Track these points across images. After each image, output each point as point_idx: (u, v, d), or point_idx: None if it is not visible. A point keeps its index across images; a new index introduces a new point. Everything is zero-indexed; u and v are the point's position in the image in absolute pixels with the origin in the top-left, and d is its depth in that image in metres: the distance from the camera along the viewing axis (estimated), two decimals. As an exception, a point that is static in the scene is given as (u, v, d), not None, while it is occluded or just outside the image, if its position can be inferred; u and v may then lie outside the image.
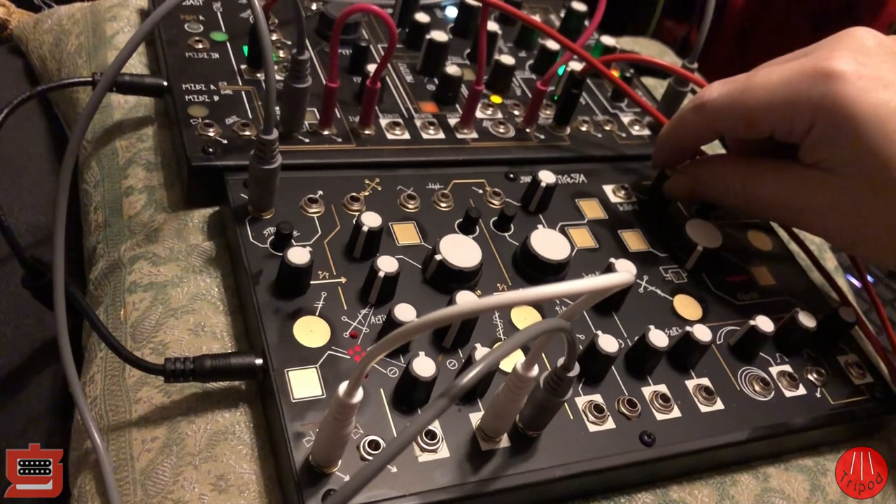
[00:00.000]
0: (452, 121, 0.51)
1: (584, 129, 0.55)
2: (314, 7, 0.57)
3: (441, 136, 0.50)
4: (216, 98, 0.47)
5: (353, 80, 0.51)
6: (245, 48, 0.51)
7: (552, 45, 0.57)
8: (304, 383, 0.35)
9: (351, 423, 0.30)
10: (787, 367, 0.43)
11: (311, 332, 0.37)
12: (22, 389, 0.47)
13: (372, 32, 0.57)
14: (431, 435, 0.34)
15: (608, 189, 0.51)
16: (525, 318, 0.41)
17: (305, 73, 0.43)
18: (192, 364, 0.35)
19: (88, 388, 0.38)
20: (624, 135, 0.55)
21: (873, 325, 0.50)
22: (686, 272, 0.47)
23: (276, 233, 0.40)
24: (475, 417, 0.36)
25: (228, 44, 0.51)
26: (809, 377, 0.43)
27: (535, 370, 0.32)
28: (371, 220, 0.40)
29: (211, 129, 0.44)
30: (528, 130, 0.53)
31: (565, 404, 0.37)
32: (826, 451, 0.44)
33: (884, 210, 0.40)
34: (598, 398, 0.38)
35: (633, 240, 0.48)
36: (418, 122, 0.50)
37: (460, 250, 0.41)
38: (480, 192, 0.47)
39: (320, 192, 0.43)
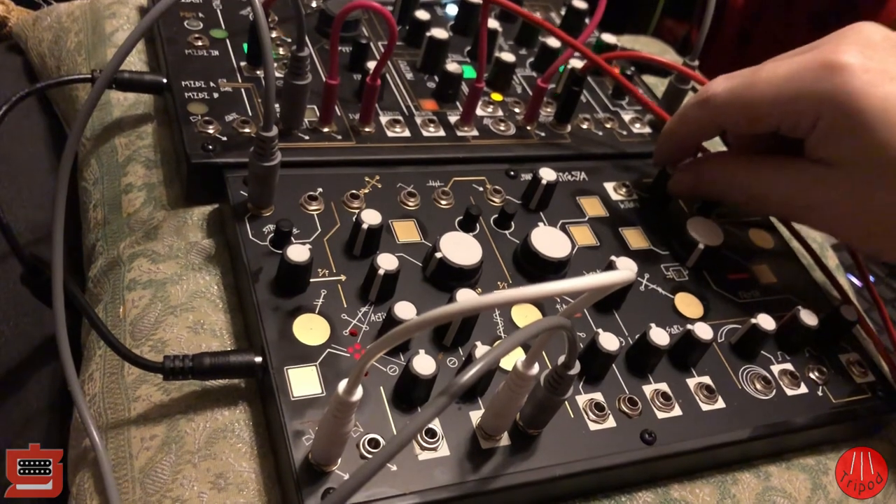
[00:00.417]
0: (453, 118, 0.51)
1: (584, 126, 0.54)
2: (314, 4, 0.57)
3: (441, 133, 0.50)
4: (216, 95, 0.47)
5: (354, 77, 0.51)
6: (245, 45, 0.51)
7: (553, 42, 0.57)
8: (303, 381, 0.35)
9: (350, 421, 0.30)
10: (789, 366, 0.43)
11: (310, 329, 0.37)
12: (21, 387, 0.47)
13: (372, 30, 0.56)
14: (431, 433, 0.34)
15: (609, 187, 0.50)
16: (526, 316, 0.41)
17: (305, 70, 0.43)
18: (191, 362, 0.35)
19: (87, 385, 0.38)
20: (625, 132, 0.55)
21: (874, 325, 0.49)
22: (687, 270, 0.47)
23: (275, 230, 0.40)
24: (475, 416, 0.36)
25: (228, 41, 0.51)
26: (811, 376, 0.43)
27: (536, 368, 0.31)
28: (371, 217, 0.40)
29: (210, 127, 0.44)
30: (528, 128, 0.53)
31: (566, 403, 0.37)
32: (827, 449, 0.44)
33: (892, 204, 0.40)
34: (598, 396, 0.38)
35: (634, 238, 0.47)
36: (418, 120, 0.50)
37: (461, 248, 0.41)
38: (481, 189, 0.47)
39: (320, 190, 0.43)
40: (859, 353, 0.46)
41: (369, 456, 0.33)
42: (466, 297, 0.38)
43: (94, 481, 0.35)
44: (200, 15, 0.52)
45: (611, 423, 0.38)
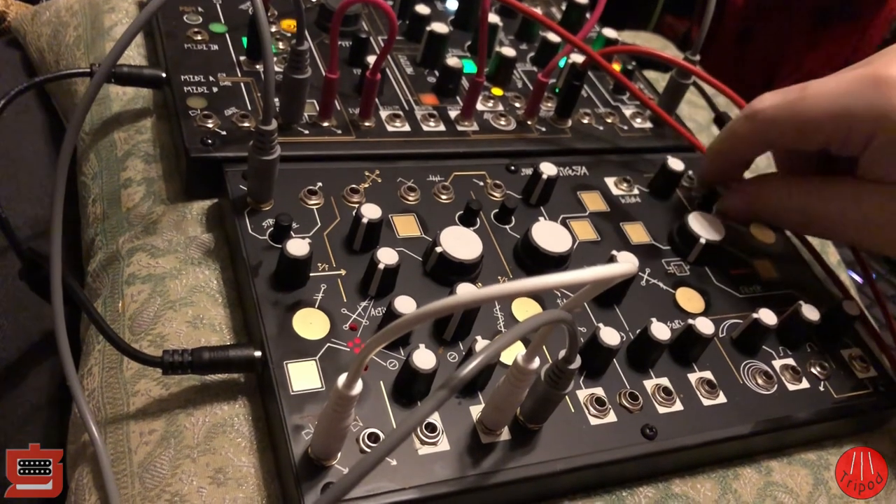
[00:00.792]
0: (453, 113, 0.51)
1: (585, 121, 0.54)
2: (314, -1, 0.57)
3: (441, 128, 0.50)
4: (215, 89, 0.46)
5: (353, 71, 0.51)
6: (244, 39, 0.50)
7: (553, 37, 0.57)
8: (303, 376, 0.35)
9: (350, 415, 0.30)
10: (790, 361, 0.43)
11: (310, 324, 0.37)
12: (20, 382, 0.47)
13: (372, 24, 0.56)
14: (431, 427, 0.34)
15: (610, 181, 0.50)
16: (526, 311, 0.41)
17: (305, 65, 0.43)
18: (190, 356, 0.35)
19: (86, 380, 0.38)
20: (626, 127, 0.55)
21: (876, 322, 0.49)
22: (688, 265, 0.46)
23: (275, 224, 0.40)
24: (475, 410, 0.36)
25: (227, 35, 0.51)
26: (812, 371, 0.43)
27: (536, 362, 0.31)
28: (371, 211, 0.40)
29: (210, 121, 0.44)
30: (529, 123, 0.52)
31: (566, 397, 0.36)
32: (829, 444, 0.44)
33: None
34: (599, 391, 0.38)
35: (635, 232, 0.47)
36: (419, 114, 0.50)
37: (461, 243, 0.40)
38: (481, 184, 0.47)
39: (320, 184, 0.43)
40: (861, 349, 0.46)
41: (369, 450, 0.33)
42: (467, 290, 0.37)
43: (93, 476, 0.35)
44: (200, 9, 0.52)
45: (612, 417, 0.37)
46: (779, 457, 0.42)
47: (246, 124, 0.45)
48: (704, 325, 0.40)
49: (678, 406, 0.39)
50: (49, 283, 0.35)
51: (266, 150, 0.38)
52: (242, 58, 0.49)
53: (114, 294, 0.41)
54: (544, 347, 0.39)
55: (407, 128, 0.49)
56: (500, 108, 0.53)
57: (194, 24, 0.51)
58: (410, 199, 0.44)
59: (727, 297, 0.46)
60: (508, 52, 0.54)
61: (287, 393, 0.34)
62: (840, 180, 0.42)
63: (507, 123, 0.52)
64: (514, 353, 0.32)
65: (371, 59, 0.47)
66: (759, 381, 0.41)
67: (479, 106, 0.52)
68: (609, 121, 0.55)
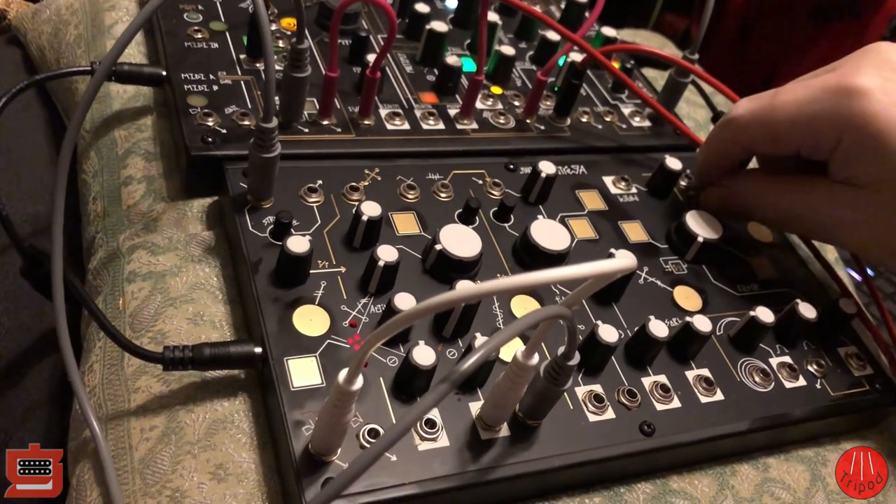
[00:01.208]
0: (452, 111, 0.51)
1: (584, 119, 0.54)
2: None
3: (441, 126, 0.50)
4: (215, 88, 0.47)
5: (353, 70, 0.51)
6: (245, 38, 0.50)
7: (553, 35, 0.57)
8: (303, 372, 0.35)
9: (350, 410, 0.30)
10: (788, 359, 0.43)
11: (310, 321, 0.37)
12: (21, 379, 0.47)
13: (372, 22, 0.56)
14: (431, 423, 0.34)
15: (608, 180, 0.50)
16: (525, 308, 0.41)
17: (305, 63, 0.43)
18: (190, 352, 0.35)
19: (87, 377, 0.38)
20: (624, 126, 0.55)
21: (874, 319, 0.50)
22: (686, 263, 0.47)
23: (275, 222, 0.40)
24: (475, 406, 0.36)
25: (228, 34, 0.51)
26: (809, 368, 0.43)
27: (536, 359, 0.31)
28: (371, 209, 0.40)
29: (210, 119, 0.44)
30: (528, 121, 0.53)
31: (565, 394, 0.37)
32: (826, 441, 0.44)
33: None
34: (598, 388, 0.38)
35: (633, 231, 0.47)
36: (418, 113, 0.50)
37: (460, 240, 0.41)
38: (480, 182, 0.47)
39: (320, 182, 0.43)
40: (858, 347, 0.46)
41: (369, 446, 0.33)
42: (466, 286, 0.38)
43: (95, 472, 0.35)
44: (200, 7, 0.52)
45: (610, 414, 0.38)
46: (776, 453, 0.42)
47: (246, 122, 0.45)
48: (702, 323, 0.40)
49: (676, 403, 0.39)
50: (50, 280, 0.36)
51: (266, 147, 0.38)
52: (243, 56, 0.49)
53: (114, 291, 0.41)
54: (543, 344, 0.39)
55: (406, 126, 0.49)
56: (500, 106, 0.53)
57: (195, 22, 0.51)
58: (410, 197, 0.44)
59: (725, 295, 0.46)
60: (508, 50, 0.54)
61: (287, 389, 0.34)
62: (812, 181, 0.44)
63: (507, 122, 0.52)
64: (513, 350, 0.32)
65: (371, 58, 0.47)
66: (757, 379, 0.41)
67: (479, 104, 0.52)
68: (608, 119, 0.55)
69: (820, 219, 0.44)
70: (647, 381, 0.39)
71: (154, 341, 0.38)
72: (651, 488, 0.39)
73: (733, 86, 0.51)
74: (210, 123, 0.44)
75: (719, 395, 0.40)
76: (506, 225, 0.45)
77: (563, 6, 0.63)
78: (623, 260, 0.25)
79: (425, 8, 0.56)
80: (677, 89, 0.56)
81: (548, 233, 0.43)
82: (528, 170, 0.48)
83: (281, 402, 0.34)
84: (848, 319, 0.45)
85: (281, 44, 0.52)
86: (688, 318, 0.41)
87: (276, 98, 0.45)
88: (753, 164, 0.51)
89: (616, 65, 0.59)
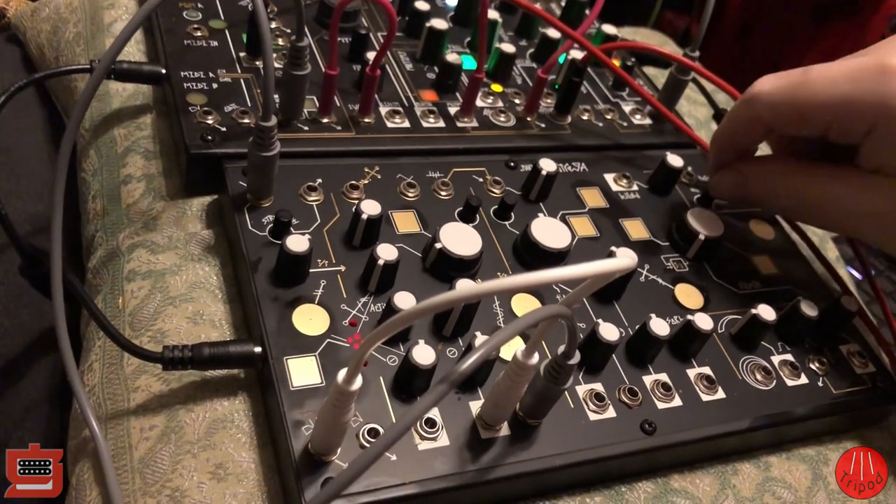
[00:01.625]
0: (453, 109, 0.51)
1: (585, 117, 0.54)
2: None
3: (441, 124, 0.50)
4: (215, 86, 0.46)
5: (353, 67, 0.51)
6: (244, 36, 0.50)
7: (553, 33, 0.57)
8: (303, 371, 0.35)
9: (350, 410, 0.30)
10: (789, 356, 0.43)
11: (310, 320, 0.37)
12: (20, 378, 0.47)
13: (371, 20, 0.56)
14: (431, 423, 0.34)
15: (609, 178, 0.50)
16: (525, 306, 0.41)
17: (304, 61, 0.43)
18: (190, 352, 0.35)
19: (87, 376, 0.38)
20: (625, 123, 0.55)
21: (875, 318, 0.49)
22: (687, 261, 0.46)
23: (274, 221, 0.40)
24: (475, 406, 0.36)
25: (227, 31, 0.51)
26: (811, 366, 0.43)
27: (536, 358, 0.31)
28: (370, 208, 0.40)
29: (210, 117, 0.44)
30: (528, 119, 0.52)
31: (566, 393, 0.36)
32: (828, 440, 0.44)
33: None
34: (598, 387, 0.38)
35: (634, 228, 0.47)
36: (418, 111, 0.50)
37: (460, 239, 0.40)
38: (481, 180, 0.47)
39: (319, 180, 0.43)
40: (860, 344, 0.46)
41: (369, 445, 0.33)
42: (466, 285, 0.38)
43: (94, 472, 0.35)
44: (199, 5, 0.52)
45: (611, 413, 0.37)
46: (777, 452, 0.42)
47: (246, 120, 0.45)
48: (703, 321, 0.40)
49: (677, 401, 0.39)
50: (49, 279, 0.35)
51: (266, 146, 0.38)
52: (242, 54, 0.49)
53: (114, 290, 0.41)
54: (543, 343, 0.39)
55: (406, 124, 0.49)
56: (500, 104, 0.53)
57: (194, 20, 0.51)
58: (410, 195, 0.44)
59: (726, 292, 0.46)
60: (508, 48, 0.54)
61: (287, 388, 0.34)
62: (838, 168, 0.42)
63: (507, 120, 0.52)
64: (513, 349, 0.32)
65: (371, 56, 0.47)
66: (758, 377, 0.41)
67: (479, 102, 0.52)
68: (608, 117, 0.55)
69: (844, 210, 0.42)
70: (648, 380, 0.39)
71: (154, 340, 0.38)
72: (652, 487, 0.38)
73: (733, 84, 0.50)
74: (209, 121, 0.44)
75: (721, 394, 0.40)
76: (506, 223, 0.45)
77: (563, 4, 0.63)
78: (623, 259, 0.25)
79: (425, 5, 0.56)
80: (678, 87, 0.55)
81: (548, 231, 0.43)
82: (528, 168, 0.48)
83: (280, 401, 0.33)
84: (850, 317, 0.45)
85: (280, 42, 0.52)
86: (689, 316, 0.40)
87: (276, 96, 0.45)
88: (763, 149, 0.51)
89: (617, 63, 0.59)
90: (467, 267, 0.40)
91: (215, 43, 0.50)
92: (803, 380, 0.42)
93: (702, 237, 0.46)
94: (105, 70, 0.34)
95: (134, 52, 0.53)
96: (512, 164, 0.48)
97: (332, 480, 0.26)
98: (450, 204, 0.45)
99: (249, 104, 0.46)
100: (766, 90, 0.42)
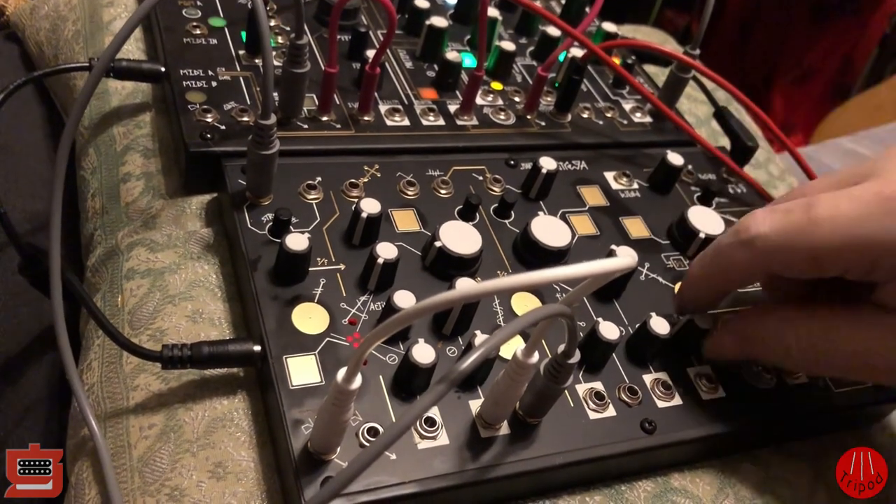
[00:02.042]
0: (452, 107, 0.51)
1: (585, 115, 0.54)
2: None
3: (441, 122, 0.49)
4: (214, 84, 0.46)
5: (353, 65, 0.51)
6: (243, 34, 0.50)
7: (553, 31, 0.57)
8: (302, 370, 0.35)
9: (349, 409, 0.30)
10: (789, 355, 0.43)
11: (309, 318, 0.37)
12: (20, 377, 0.47)
13: (371, 18, 0.56)
14: (431, 422, 0.34)
15: (609, 176, 0.50)
16: (525, 305, 0.41)
17: (304, 59, 0.43)
18: (189, 351, 0.35)
19: (86, 375, 0.38)
20: (625, 122, 0.55)
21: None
22: (688, 259, 0.46)
23: (274, 219, 0.40)
24: (475, 405, 0.36)
25: (226, 29, 0.51)
26: (811, 365, 0.43)
27: (536, 357, 0.31)
28: (370, 206, 0.40)
29: (209, 115, 0.44)
30: (528, 117, 0.52)
31: (566, 391, 0.36)
32: (828, 439, 0.44)
33: None
34: (598, 385, 0.38)
35: (635, 227, 0.47)
36: (418, 109, 0.50)
37: (460, 237, 0.40)
38: (481, 178, 0.47)
39: (319, 179, 0.43)
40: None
41: (368, 444, 0.33)
42: (466, 285, 0.37)
43: (93, 470, 0.35)
44: (199, 3, 0.52)
45: (611, 412, 0.37)
46: (778, 451, 0.42)
47: (245, 119, 0.45)
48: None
49: (677, 400, 0.39)
50: (48, 278, 0.35)
51: (265, 144, 0.38)
52: (241, 52, 0.49)
53: (113, 289, 0.41)
54: (543, 342, 0.39)
55: (406, 122, 0.49)
56: (500, 102, 0.53)
57: (193, 18, 0.51)
58: (410, 193, 0.44)
59: (726, 291, 0.45)
60: (508, 46, 0.54)
61: (286, 387, 0.34)
62: (859, 313, 0.36)
63: (507, 118, 0.52)
64: (513, 348, 0.32)
65: (370, 54, 0.47)
66: (759, 376, 0.41)
67: (479, 100, 0.52)
68: (609, 115, 0.55)
69: (880, 361, 0.36)
70: (648, 379, 0.39)
71: (153, 339, 0.38)
72: (652, 486, 0.38)
73: (734, 82, 0.50)
74: (209, 120, 0.44)
75: (721, 393, 0.40)
76: (506, 221, 0.45)
77: (563, 2, 0.63)
78: (622, 259, 0.25)
79: (425, 3, 0.56)
80: (678, 85, 0.55)
81: (548, 229, 0.43)
82: (528, 166, 0.48)
83: (280, 400, 0.33)
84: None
85: (280, 39, 0.52)
86: (689, 315, 0.40)
87: (275, 94, 0.45)
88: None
89: (617, 61, 0.59)
90: (467, 265, 0.40)
91: (214, 41, 0.50)
92: (804, 378, 0.42)
93: (702, 235, 0.46)
94: (104, 68, 0.34)
95: (133, 49, 0.52)
96: (512, 162, 0.48)
97: (332, 479, 0.26)
98: (449, 202, 0.45)
99: (249, 102, 0.46)
100: (765, 233, 0.36)
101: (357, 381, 0.28)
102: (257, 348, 0.36)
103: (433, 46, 0.54)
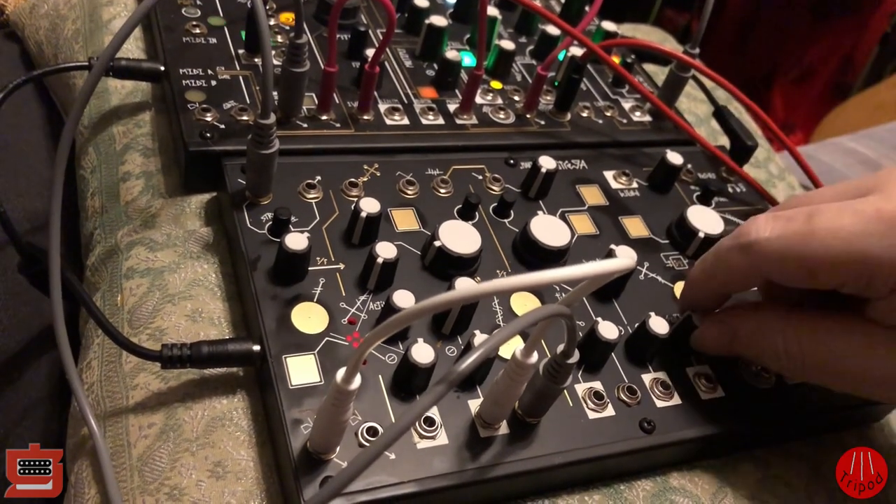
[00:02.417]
0: (452, 106, 0.51)
1: (584, 114, 0.54)
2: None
3: (440, 121, 0.49)
4: (214, 83, 0.46)
5: (352, 65, 0.51)
6: (243, 33, 0.50)
7: (553, 30, 0.57)
8: (302, 370, 0.35)
9: (349, 409, 0.30)
10: (788, 355, 0.43)
11: (309, 318, 0.37)
12: (20, 376, 0.47)
13: (370, 17, 0.56)
14: (430, 422, 0.34)
15: (609, 175, 0.50)
16: (525, 304, 0.41)
17: (303, 58, 0.43)
18: (188, 350, 0.35)
19: (85, 374, 0.38)
20: (625, 121, 0.55)
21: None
22: (687, 259, 0.46)
23: (273, 218, 0.40)
24: (474, 404, 0.36)
25: (226, 28, 0.51)
26: (810, 365, 0.43)
27: (535, 357, 0.31)
28: (370, 205, 0.40)
29: (208, 114, 0.44)
30: (528, 116, 0.52)
31: (565, 391, 0.36)
32: (827, 439, 0.44)
33: None
34: (597, 385, 0.38)
35: (634, 226, 0.47)
36: (417, 108, 0.50)
37: (460, 237, 0.40)
38: (480, 177, 0.47)
39: (318, 178, 0.43)
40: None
41: (368, 444, 0.33)
42: (465, 285, 0.37)
43: (93, 469, 0.35)
44: (198, 2, 0.52)
45: (610, 411, 0.37)
46: (777, 450, 0.42)
47: (244, 118, 0.45)
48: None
49: (676, 400, 0.39)
50: (48, 277, 0.35)
51: (265, 143, 0.38)
52: (241, 51, 0.49)
53: (112, 288, 0.41)
54: (543, 342, 0.39)
55: (406, 121, 0.49)
56: (499, 101, 0.53)
57: (193, 17, 0.51)
58: (409, 192, 0.44)
59: (726, 290, 0.46)
60: (507, 45, 0.54)
61: (286, 387, 0.34)
62: (847, 321, 0.36)
63: (506, 117, 0.52)
64: (512, 347, 0.32)
65: (370, 53, 0.47)
66: (758, 376, 0.41)
67: (478, 99, 0.52)
68: (608, 114, 0.55)
69: (864, 372, 0.36)
70: (647, 378, 0.39)
71: (153, 338, 0.38)
72: (651, 486, 0.38)
73: (733, 81, 0.50)
74: (208, 119, 0.44)
75: (720, 392, 0.40)
76: (506, 221, 0.45)
77: (563, 0, 0.63)
78: (621, 260, 0.25)
79: (425, 2, 0.56)
80: (678, 84, 0.55)
81: (548, 229, 0.43)
82: (528, 165, 0.48)
83: (279, 399, 0.33)
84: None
85: (279, 38, 0.51)
86: (688, 314, 0.40)
87: (275, 93, 0.45)
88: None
89: (616, 60, 0.59)
90: (466, 265, 0.40)
91: (214, 40, 0.50)
92: (803, 378, 0.42)
93: (701, 235, 0.46)
94: (104, 67, 0.34)
95: (133, 49, 0.52)
96: (511, 161, 0.48)
97: (332, 479, 0.26)
98: (449, 201, 0.45)
99: (248, 101, 0.46)
100: (765, 238, 0.36)
101: (356, 382, 0.28)
102: (257, 348, 0.36)
103: (433, 45, 0.54)
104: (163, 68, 0.47)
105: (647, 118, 0.56)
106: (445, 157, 0.47)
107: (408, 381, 0.35)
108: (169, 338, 0.38)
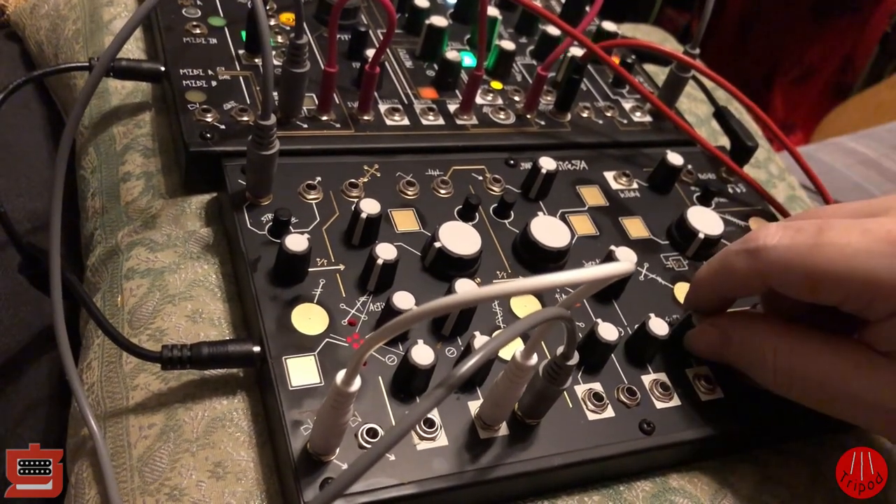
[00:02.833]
0: (452, 107, 0.51)
1: (585, 115, 0.54)
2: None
3: (441, 122, 0.49)
4: (214, 83, 0.46)
5: (352, 65, 0.51)
6: (243, 33, 0.50)
7: (553, 30, 0.57)
8: (302, 371, 0.35)
9: (349, 410, 0.30)
10: (788, 356, 0.43)
11: (309, 319, 0.37)
12: (20, 377, 0.47)
13: (371, 17, 0.56)
14: (430, 423, 0.34)
15: (609, 176, 0.50)
16: (525, 306, 0.41)
17: (303, 58, 0.43)
18: (189, 351, 0.35)
19: (85, 374, 0.38)
20: (625, 121, 0.55)
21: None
22: (687, 260, 0.46)
23: (273, 219, 0.40)
24: (474, 405, 0.36)
25: (226, 29, 0.51)
26: (810, 366, 0.43)
27: (535, 358, 0.31)
28: (370, 206, 0.40)
29: (209, 115, 0.44)
30: (528, 116, 0.52)
31: (564, 392, 0.36)
32: (827, 440, 0.44)
33: None
34: (597, 386, 0.38)
35: (634, 227, 0.47)
36: (418, 108, 0.50)
37: (460, 237, 0.40)
38: (480, 178, 0.47)
39: (319, 179, 0.43)
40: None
41: (368, 446, 0.33)
42: (466, 288, 0.37)
43: (93, 470, 0.35)
44: (199, 3, 0.52)
45: (609, 413, 0.37)
46: (777, 451, 0.42)
47: (245, 118, 0.45)
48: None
49: (676, 401, 0.39)
50: (48, 277, 0.35)
51: (265, 144, 0.38)
52: (241, 51, 0.49)
53: (113, 288, 0.41)
54: (542, 343, 0.39)
55: (406, 122, 0.49)
56: (500, 101, 0.53)
57: (193, 17, 0.51)
58: (409, 193, 0.44)
59: (726, 291, 0.46)
60: (508, 45, 0.54)
61: (286, 388, 0.34)
62: (843, 343, 0.36)
63: (507, 117, 0.52)
64: (512, 349, 0.32)
65: (370, 53, 0.47)
66: (757, 376, 0.41)
67: (479, 100, 0.52)
68: (608, 115, 0.55)
69: (854, 395, 0.35)
70: (646, 380, 0.39)
71: (153, 339, 0.38)
72: (650, 486, 0.38)
73: (734, 81, 0.50)
74: (209, 119, 0.44)
75: (719, 394, 0.40)
76: (506, 221, 0.45)
77: (563, 1, 0.63)
78: (620, 265, 0.25)
79: (425, 2, 0.56)
80: (678, 85, 0.55)
81: (548, 229, 0.43)
82: (528, 165, 0.48)
83: (279, 401, 0.33)
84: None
85: (280, 39, 0.52)
86: (688, 315, 0.40)
87: (275, 94, 0.45)
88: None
89: (617, 60, 0.59)
90: (467, 266, 0.40)
91: (214, 40, 0.50)
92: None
93: (701, 236, 0.46)
94: (104, 68, 0.34)
95: (133, 49, 0.52)
96: (511, 162, 0.48)
97: (332, 482, 0.26)
98: (449, 202, 0.45)
99: (248, 102, 0.46)
100: (772, 245, 0.36)
101: (356, 384, 0.28)
102: (257, 349, 0.36)
103: (433, 46, 0.54)
104: (163, 69, 0.47)
105: (648, 119, 0.56)
106: (445, 158, 0.47)
107: (408, 383, 0.35)
108: (169, 338, 0.38)
